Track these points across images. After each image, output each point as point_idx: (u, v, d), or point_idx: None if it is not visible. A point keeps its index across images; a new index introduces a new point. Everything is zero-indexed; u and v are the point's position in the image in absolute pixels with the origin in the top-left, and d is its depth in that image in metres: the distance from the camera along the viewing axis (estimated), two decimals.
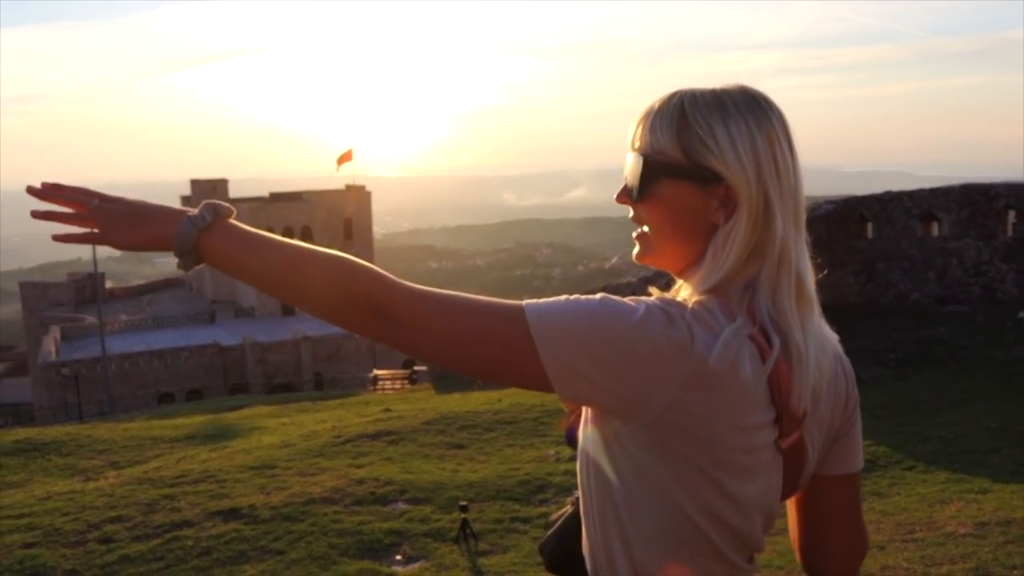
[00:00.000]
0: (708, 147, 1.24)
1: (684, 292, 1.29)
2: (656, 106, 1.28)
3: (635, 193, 1.29)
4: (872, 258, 17.07)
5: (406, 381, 31.50)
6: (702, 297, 1.23)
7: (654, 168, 1.26)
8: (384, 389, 29.41)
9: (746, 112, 1.24)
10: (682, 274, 1.32)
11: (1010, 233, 15.51)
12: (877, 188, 18.82)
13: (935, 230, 16.54)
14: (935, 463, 7.96)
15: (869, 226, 17.29)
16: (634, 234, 1.33)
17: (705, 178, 1.24)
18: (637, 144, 1.29)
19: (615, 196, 1.32)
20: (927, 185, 17.76)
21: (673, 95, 1.28)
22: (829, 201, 17.76)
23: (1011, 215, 15.49)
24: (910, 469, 7.89)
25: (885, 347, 13.35)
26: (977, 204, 15.70)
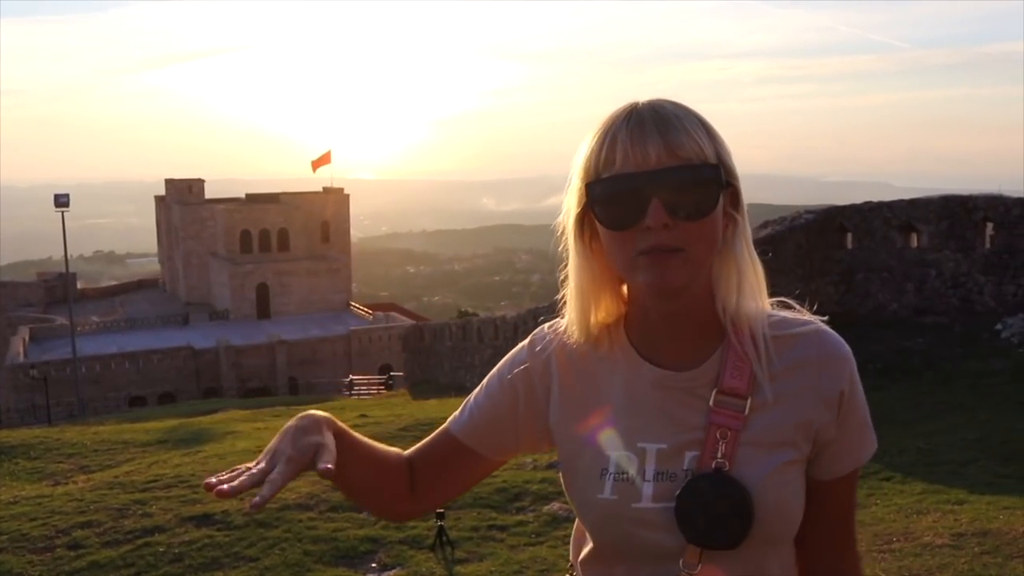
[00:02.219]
0: (726, 149, 1.22)
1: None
2: (670, 113, 1.19)
3: (701, 210, 1.17)
4: (851, 268, 17.15)
5: (382, 387, 31.39)
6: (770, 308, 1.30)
7: (711, 178, 1.19)
8: (360, 394, 29.27)
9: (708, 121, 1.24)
10: (683, 300, 1.23)
11: (988, 245, 15.63)
12: (857, 198, 18.93)
13: (914, 241, 16.64)
14: (912, 474, 7.97)
15: (849, 236, 17.37)
16: (651, 256, 1.17)
17: (727, 183, 1.21)
18: (681, 152, 1.16)
19: (651, 219, 1.15)
20: (907, 196, 17.89)
21: (668, 102, 1.21)
22: (809, 211, 17.83)
23: (989, 227, 15.61)
24: (887, 480, 7.89)
25: (863, 358, 13.20)
26: (956, 216, 15.81)
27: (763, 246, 17.69)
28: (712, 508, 1.19)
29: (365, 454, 1.33)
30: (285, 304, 61.34)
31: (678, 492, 1.21)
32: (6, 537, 6.60)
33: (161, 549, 6.26)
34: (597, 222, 1.22)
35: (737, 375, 1.24)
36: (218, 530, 6.60)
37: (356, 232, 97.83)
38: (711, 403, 1.24)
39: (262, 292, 60.97)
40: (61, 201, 39.90)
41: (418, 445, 1.43)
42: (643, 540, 1.24)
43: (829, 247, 17.41)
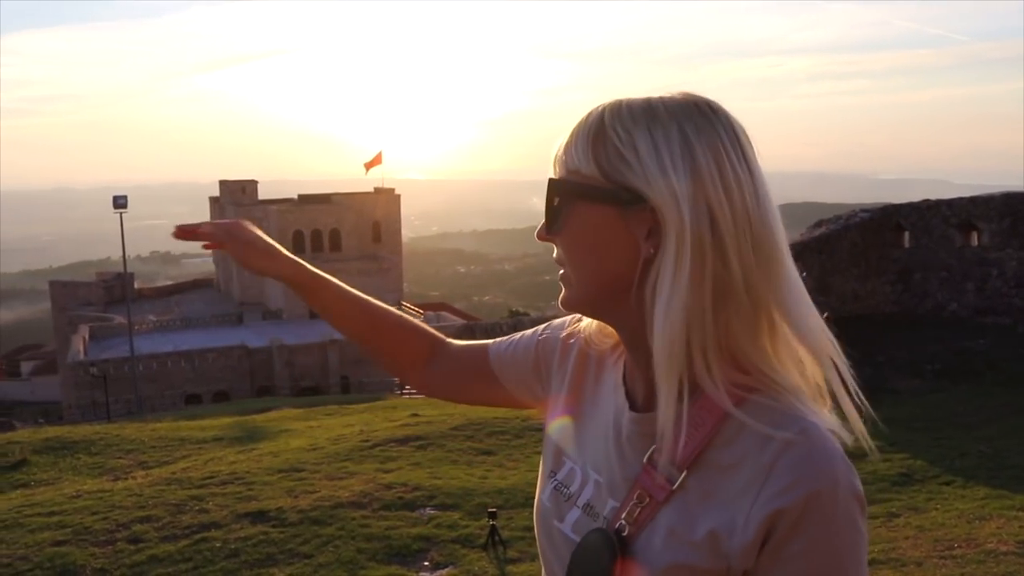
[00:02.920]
0: (626, 160, 1.00)
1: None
2: (588, 119, 1.05)
3: (548, 225, 1.07)
4: (909, 267, 16.83)
5: None
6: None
7: (564, 191, 1.05)
8: (411, 394, 29.43)
9: (681, 118, 1.00)
10: (628, 339, 1.09)
11: None
12: (913, 196, 18.59)
13: (974, 240, 16.26)
14: (974, 478, 7.80)
15: (906, 235, 17.06)
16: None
17: (625, 200, 1.01)
18: (555, 169, 1.08)
19: (536, 232, 1.10)
20: (965, 193, 17.52)
21: (599, 106, 1.06)
22: (864, 209, 17.55)
23: None
24: (948, 484, 7.74)
25: (921, 358, 13.14)
26: (1019, 213, 15.42)
27: (818, 245, 17.44)
28: (591, 569, 1.06)
29: (354, 302, 1.43)
30: None
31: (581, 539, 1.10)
32: (69, 530, 6.74)
33: (217, 544, 6.35)
34: None
35: (686, 441, 1.01)
36: (273, 527, 6.67)
37: (407, 232, 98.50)
38: (645, 459, 1.06)
39: None
40: (119, 203, 40.79)
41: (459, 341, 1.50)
42: (549, 562, 1.18)
43: (885, 246, 17.10)
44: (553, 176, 1.07)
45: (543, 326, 1.36)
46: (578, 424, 1.20)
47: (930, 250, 16.60)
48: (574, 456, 1.18)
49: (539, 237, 1.10)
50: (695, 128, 1.00)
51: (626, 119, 1.02)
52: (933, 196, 17.62)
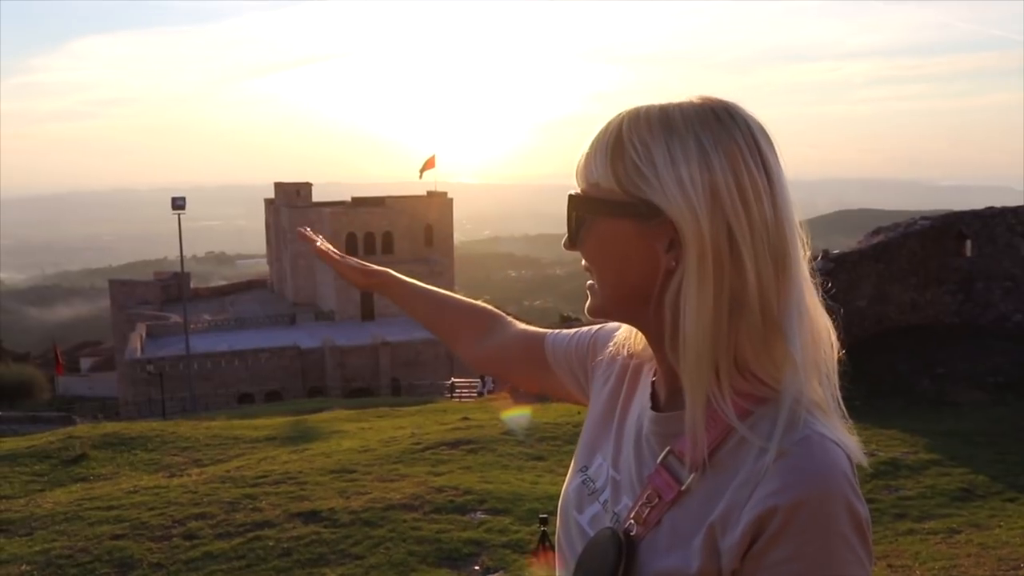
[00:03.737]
0: (643, 174, 1.01)
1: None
2: (607, 129, 1.07)
3: (571, 237, 1.11)
4: (971, 277, 16.43)
5: (488, 390, 31.57)
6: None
7: (583, 205, 1.08)
8: (462, 397, 29.53)
9: (698, 127, 1.01)
10: (652, 342, 1.11)
11: None
12: (973, 203, 18.18)
13: None
14: None
15: (968, 243, 16.67)
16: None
17: (643, 214, 1.02)
18: (577, 181, 1.11)
19: (561, 242, 1.14)
20: None
21: (618, 115, 1.07)
22: (925, 217, 17.18)
23: None
24: (1012, 500, 7.52)
25: (984, 370, 12.82)
26: None
27: (875, 253, 17.11)
28: (593, 566, 1.07)
29: (427, 296, 1.69)
30: (389, 306, 62.29)
31: (591, 536, 1.12)
32: (127, 524, 6.86)
33: (270, 543, 6.40)
34: None
35: (697, 444, 1.03)
36: (325, 527, 6.71)
37: (458, 235, 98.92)
38: (658, 459, 1.08)
39: (366, 294, 62.10)
40: (178, 204, 41.51)
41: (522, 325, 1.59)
42: (563, 551, 1.20)
43: (946, 254, 16.73)
44: (575, 189, 1.10)
45: (598, 326, 1.40)
46: (612, 423, 1.23)
47: (994, 259, 16.20)
48: (605, 452, 1.21)
49: (565, 247, 1.14)
50: (712, 138, 1.00)
51: (643, 131, 1.03)
52: (995, 203, 17.21)
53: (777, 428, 0.98)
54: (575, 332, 1.45)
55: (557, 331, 1.49)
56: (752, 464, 0.98)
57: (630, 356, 1.27)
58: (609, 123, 1.07)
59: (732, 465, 1.01)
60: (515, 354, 1.52)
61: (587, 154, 1.08)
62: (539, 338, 1.49)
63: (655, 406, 1.14)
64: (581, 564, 1.11)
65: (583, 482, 1.21)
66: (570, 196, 1.10)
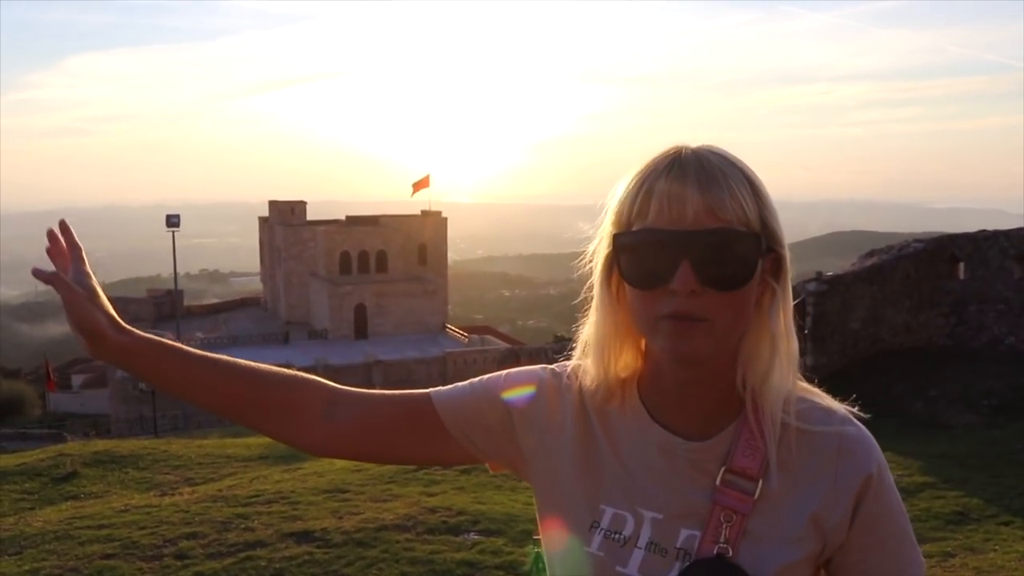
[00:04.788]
0: (771, 209, 1.10)
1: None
2: (715, 166, 1.07)
3: (733, 280, 1.06)
4: (964, 299, 16.49)
5: None
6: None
7: (757, 248, 1.08)
8: None
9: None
10: (705, 369, 1.12)
11: None
12: (966, 225, 18.30)
13: None
14: None
15: (961, 266, 16.73)
16: (673, 322, 1.07)
17: (769, 249, 1.10)
18: (722, 213, 1.05)
19: (678, 283, 1.05)
20: (1021, 224, 17.17)
21: (714, 149, 1.10)
22: (918, 239, 17.25)
23: None
24: (1006, 524, 7.50)
25: (977, 393, 12.83)
26: None
27: (869, 275, 17.16)
28: None
29: (229, 368, 1.31)
30: (382, 325, 62.32)
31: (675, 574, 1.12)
32: (118, 543, 6.80)
33: (263, 563, 6.35)
34: (621, 276, 1.14)
35: (750, 455, 1.12)
36: (317, 547, 6.67)
37: (452, 255, 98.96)
38: (718, 481, 1.13)
39: (360, 312, 62.10)
40: (172, 222, 41.54)
41: (363, 390, 1.37)
42: None
43: (939, 277, 16.79)
44: (716, 224, 1.06)
45: (502, 375, 1.31)
46: (601, 468, 1.21)
47: (987, 282, 16.25)
48: (616, 501, 1.18)
49: (692, 290, 1.05)
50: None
51: (744, 164, 1.10)
52: (988, 226, 17.32)
53: (821, 415, 1.15)
54: (465, 386, 1.32)
55: (439, 389, 1.33)
56: (821, 448, 1.13)
57: (580, 400, 1.24)
58: (719, 162, 1.08)
59: (789, 457, 1.13)
60: (393, 424, 1.30)
61: (726, 190, 1.06)
62: (422, 399, 1.31)
63: (687, 437, 1.17)
64: None
65: (605, 537, 1.17)
66: (740, 233, 1.06)
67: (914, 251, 16.66)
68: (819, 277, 15.18)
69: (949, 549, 6.87)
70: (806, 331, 14.00)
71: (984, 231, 16.78)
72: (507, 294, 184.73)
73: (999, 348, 15.79)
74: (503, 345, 53.56)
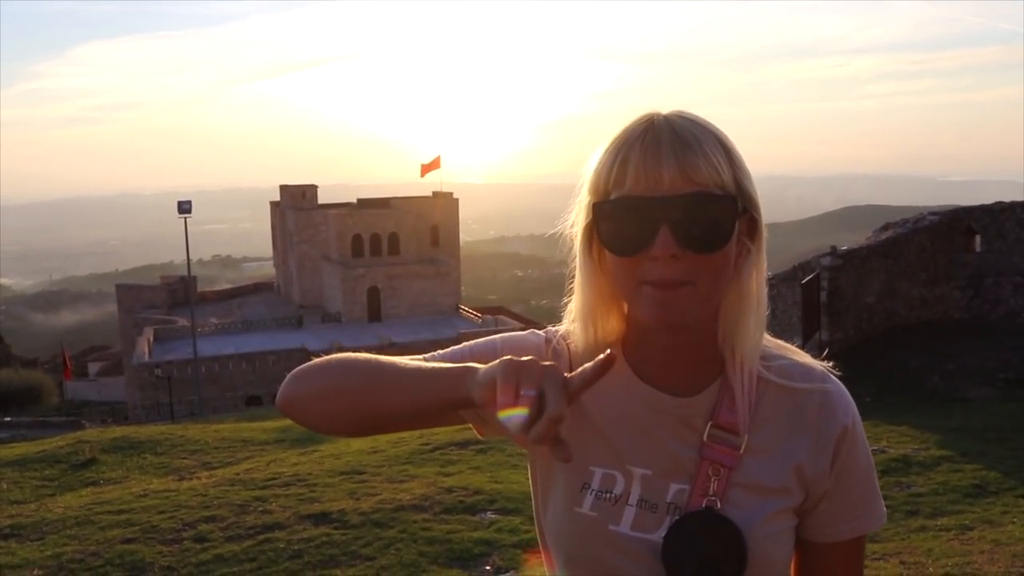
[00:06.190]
0: (746, 172, 1.13)
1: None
2: (688, 131, 1.08)
3: (713, 242, 1.08)
4: (980, 272, 16.37)
5: None
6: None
7: (729, 208, 1.09)
8: None
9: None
10: (688, 329, 1.13)
11: None
12: (982, 198, 18.13)
13: None
14: None
15: (977, 238, 16.61)
16: (656, 288, 1.08)
17: (744, 209, 1.12)
18: (697, 177, 1.06)
19: (658, 249, 1.06)
20: None
21: (686, 114, 1.11)
22: (933, 212, 17.11)
23: None
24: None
25: (994, 366, 12.76)
26: None
27: (884, 249, 17.01)
28: (703, 549, 1.11)
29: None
30: (395, 307, 62.46)
31: (665, 532, 1.14)
32: (138, 528, 6.86)
33: (281, 545, 6.39)
34: (602, 244, 1.14)
35: (734, 411, 1.16)
36: (335, 528, 6.70)
37: (464, 236, 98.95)
38: (705, 436, 1.16)
39: (373, 295, 62.23)
40: (184, 208, 41.59)
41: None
42: (612, 568, 1.16)
43: (955, 250, 16.67)
44: (692, 188, 1.07)
45: (496, 343, 1.28)
46: (587, 434, 1.21)
47: (1003, 254, 16.13)
48: (604, 461, 1.20)
49: (672, 254, 1.07)
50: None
51: (716, 127, 1.11)
52: (1004, 198, 17.13)
53: (800, 370, 1.20)
54: (459, 353, 1.27)
55: (432, 355, 1.29)
56: (803, 406, 1.18)
57: (570, 361, 1.24)
58: (691, 127, 1.09)
59: (773, 412, 1.18)
60: None
61: (700, 154, 1.07)
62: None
63: (673, 394, 1.19)
64: (682, 562, 1.12)
65: (596, 497, 1.19)
66: (715, 196, 1.08)
67: (929, 224, 16.53)
68: (834, 251, 15.07)
69: (967, 522, 6.85)
70: (821, 305, 13.94)
71: (1000, 203, 16.61)
72: (520, 274, 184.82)
73: (1016, 321, 15.67)
74: (517, 325, 53.59)
